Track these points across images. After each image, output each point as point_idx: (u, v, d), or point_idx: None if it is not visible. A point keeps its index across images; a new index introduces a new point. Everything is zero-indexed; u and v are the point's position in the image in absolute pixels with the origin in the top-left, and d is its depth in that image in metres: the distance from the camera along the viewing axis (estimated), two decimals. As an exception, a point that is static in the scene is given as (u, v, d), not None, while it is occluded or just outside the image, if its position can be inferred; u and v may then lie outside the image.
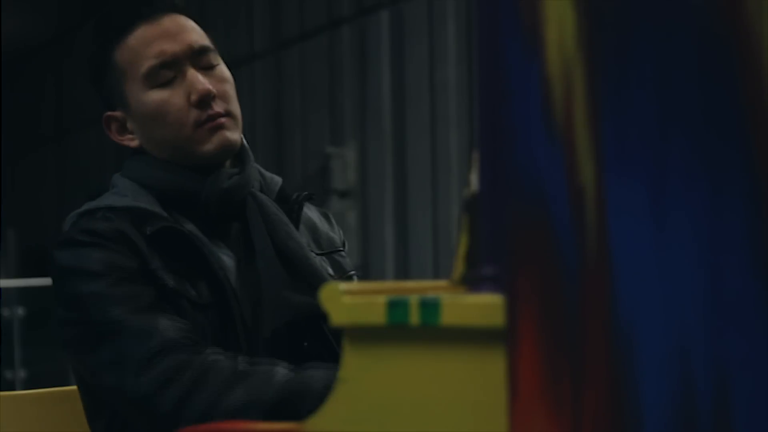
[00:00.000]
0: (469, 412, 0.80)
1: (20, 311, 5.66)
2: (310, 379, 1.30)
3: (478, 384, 0.79)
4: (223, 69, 1.51)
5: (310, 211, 1.62)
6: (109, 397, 1.39)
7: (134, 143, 1.52)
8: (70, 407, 1.64)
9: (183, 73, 1.47)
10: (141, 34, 1.48)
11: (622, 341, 0.71)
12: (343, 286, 0.86)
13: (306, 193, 1.59)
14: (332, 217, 1.69)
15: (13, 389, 5.04)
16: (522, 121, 0.76)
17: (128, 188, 1.50)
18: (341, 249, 1.62)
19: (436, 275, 5.15)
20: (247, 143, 1.56)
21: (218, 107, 1.47)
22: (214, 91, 1.47)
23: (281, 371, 1.31)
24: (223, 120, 1.47)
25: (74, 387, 1.69)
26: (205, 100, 1.46)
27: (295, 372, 1.31)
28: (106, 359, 1.35)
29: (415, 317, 0.81)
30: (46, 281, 6.63)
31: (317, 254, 1.54)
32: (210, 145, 1.47)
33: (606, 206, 0.72)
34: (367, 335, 0.85)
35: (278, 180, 1.57)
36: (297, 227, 1.54)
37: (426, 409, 0.82)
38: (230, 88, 1.50)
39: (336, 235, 1.63)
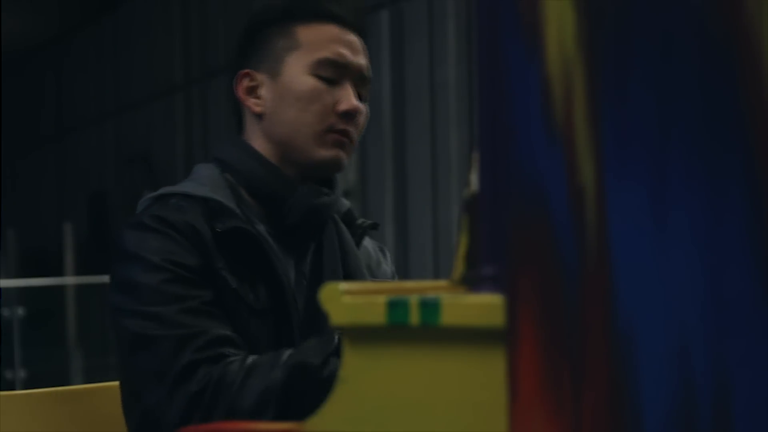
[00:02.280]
0: (469, 412, 0.80)
1: (20, 311, 5.66)
2: (305, 352, 1.31)
3: (478, 384, 0.79)
4: (366, 107, 1.55)
5: (366, 241, 1.66)
6: (141, 405, 1.40)
7: (258, 109, 1.53)
8: (70, 407, 1.64)
9: (343, 83, 1.52)
10: (332, 30, 1.53)
11: (622, 341, 0.71)
12: (343, 285, 0.86)
13: (371, 222, 1.64)
14: (387, 252, 1.73)
15: (13, 389, 5.04)
16: (522, 121, 0.76)
17: (207, 178, 1.51)
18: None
19: (436, 275, 5.15)
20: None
21: (352, 129, 1.52)
22: (359, 115, 1.52)
23: (285, 352, 1.33)
24: (347, 141, 1.51)
25: (74, 387, 1.69)
26: (349, 115, 1.50)
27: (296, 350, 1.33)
28: (144, 367, 1.37)
29: (415, 317, 0.81)
30: (46, 281, 6.65)
31: None
32: (326, 154, 1.50)
33: (606, 206, 0.72)
34: (367, 335, 0.85)
35: (346, 204, 1.62)
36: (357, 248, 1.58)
37: (426, 409, 0.82)
38: (365, 123, 1.55)
39: (388, 268, 1.67)
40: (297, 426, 0.89)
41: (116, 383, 1.66)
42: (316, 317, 1.45)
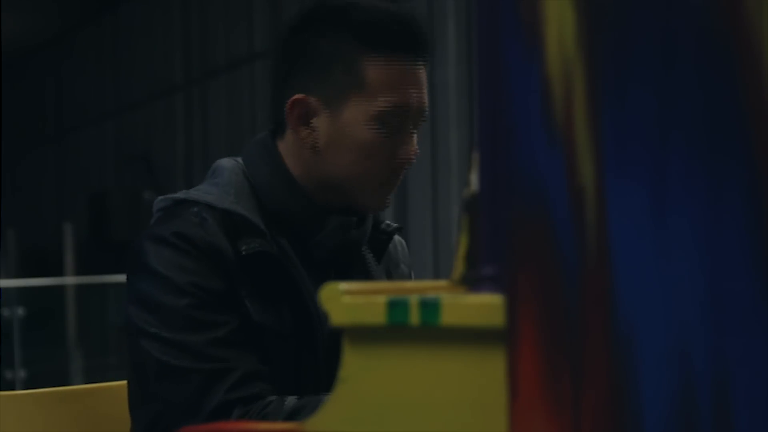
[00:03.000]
0: (469, 412, 0.80)
1: (20, 311, 5.67)
2: None
3: (478, 384, 0.79)
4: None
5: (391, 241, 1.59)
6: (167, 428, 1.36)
7: (309, 141, 1.41)
8: (70, 407, 1.64)
9: (405, 126, 1.41)
10: (402, 69, 1.40)
11: (622, 341, 0.71)
12: (343, 285, 0.86)
13: (396, 225, 1.57)
14: (405, 245, 1.65)
15: (13, 389, 5.04)
16: (522, 121, 0.76)
17: (233, 184, 1.42)
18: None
19: (436, 275, 5.15)
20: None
21: (402, 175, 1.44)
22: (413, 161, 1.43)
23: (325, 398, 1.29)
24: (397, 183, 1.44)
25: (74, 387, 1.69)
26: (407, 163, 1.42)
27: None
28: (171, 398, 1.33)
29: (415, 317, 0.81)
30: (46, 281, 6.65)
31: None
32: (374, 204, 1.44)
33: (606, 206, 0.72)
34: (367, 335, 0.85)
35: (370, 225, 1.53)
36: (381, 257, 1.53)
37: (426, 409, 0.82)
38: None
39: (407, 266, 1.61)
40: (297, 426, 0.89)
41: (116, 383, 1.66)
42: (340, 346, 1.42)
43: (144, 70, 8.79)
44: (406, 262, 1.62)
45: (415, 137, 1.43)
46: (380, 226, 1.55)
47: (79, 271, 7.51)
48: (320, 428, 0.87)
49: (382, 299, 0.83)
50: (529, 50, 0.75)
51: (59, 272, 7.80)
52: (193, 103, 8.01)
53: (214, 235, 1.37)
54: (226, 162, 1.47)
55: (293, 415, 1.28)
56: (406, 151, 1.41)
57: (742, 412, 0.69)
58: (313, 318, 1.39)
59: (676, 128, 0.71)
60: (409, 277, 1.62)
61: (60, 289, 6.73)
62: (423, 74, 1.43)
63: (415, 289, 0.92)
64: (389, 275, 1.57)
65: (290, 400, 1.30)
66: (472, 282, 0.86)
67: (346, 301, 0.85)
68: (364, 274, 1.49)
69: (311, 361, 1.39)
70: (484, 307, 0.78)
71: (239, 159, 1.48)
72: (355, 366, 0.86)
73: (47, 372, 6.25)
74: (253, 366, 1.34)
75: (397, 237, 1.62)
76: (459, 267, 0.92)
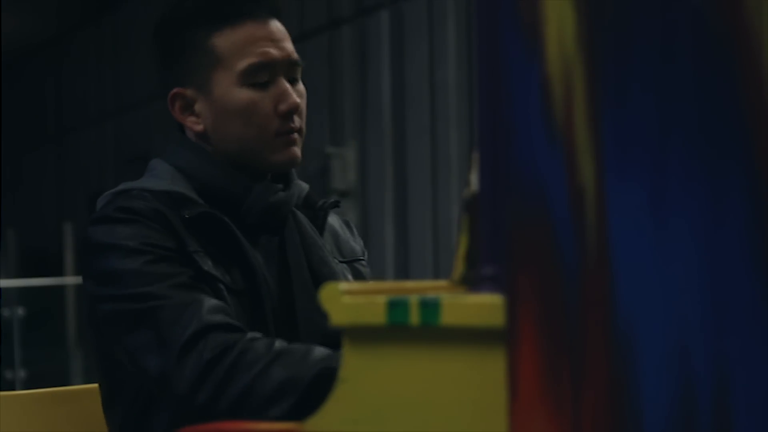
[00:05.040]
0: (469, 412, 0.80)
1: (20, 311, 5.67)
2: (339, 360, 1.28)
3: (478, 384, 0.79)
4: (302, 85, 1.52)
5: (332, 219, 1.63)
6: (145, 379, 1.37)
7: (198, 127, 1.50)
8: (70, 407, 1.64)
9: (275, 79, 1.48)
10: (249, 30, 1.48)
11: (622, 341, 0.71)
12: (343, 285, 0.86)
13: (332, 200, 1.61)
14: (353, 225, 1.70)
15: (13, 389, 5.04)
16: (522, 121, 0.76)
17: (167, 172, 1.49)
18: (362, 258, 1.63)
19: (436, 275, 5.15)
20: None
21: (297, 123, 1.49)
22: (300, 106, 1.49)
23: (318, 349, 1.30)
24: (296, 136, 1.49)
25: (74, 387, 1.69)
26: (291, 112, 1.47)
27: (329, 352, 1.30)
28: (145, 341, 1.34)
29: (415, 317, 0.81)
30: (46, 281, 6.65)
31: (339, 262, 1.55)
32: (281, 157, 1.48)
33: (606, 206, 0.72)
34: (367, 335, 0.85)
35: (305, 186, 1.58)
36: (321, 233, 1.56)
37: (426, 409, 0.82)
38: (305, 105, 1.52)
39: (357, 244, 1.65)
40: (297, 426, 0.89)
41: (116, 383, 1.66)
42: (291, 314, 1.44)
43: (144, 70, 8.78)
44: (356, 240, 1.66)
45: (291, 88, 1.48)
46: (317, 203, 1.58)
47: (79, 271, 7.50)
48: (320, 428, 0.87)
49: (382, 299, 0.83)
50: (529, 50, 0.75)
51: (59, 272, 7.80)
52: (193, 103, 8.00)
53: (157, 205, 1.41)
54: (157, 160, 1.53)
55: (279, 356, 1.29)
56: (288, 100, 1.47)
57: (742, 412, 0.69)
58: (258, 276, 1.43)
59: (676, 128, 0.71)
60: (361, 253, 1.64)
61: (60, 289, 6.73)
62: (277, 28, 1.50)
63: (415, 289, 0.92)
64: (341, 253, 1.59)
65: (280, 342, 1.31)
66: (472, 282, 0.86)
67: (346, 301, 0.85)
68: (299, 236, 1.51)
69: (260, 317, 1.41)
70: (484, 307, 0.78)
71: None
72: (355, 366, 0.86)
73: (47, 372, 6.25)
74: (220, 302, 1.36)
75: (343, 219, 1.68)
76: (459, 267, 0.92)
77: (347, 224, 1.68)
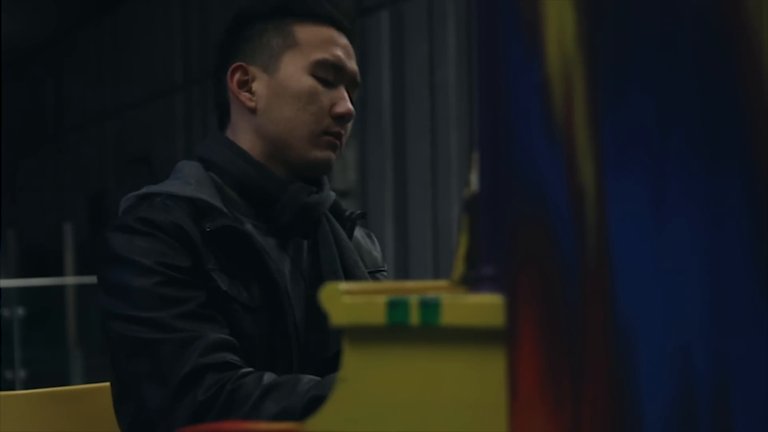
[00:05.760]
0: (469, 412, 0.80)
1: (20, 311, 5.67)
2: (331, 382, 1.29)
3: (478, 384, 0.79)
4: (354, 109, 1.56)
5: (356, 229, 1.65)
6: (140, 408, 1.38)
7: (251, 104, 1.52)
8: (70, 407, 1.64)
9: (338, 86, 1.52)
10: (330, 33, 1.54)
11: (622, 341, 0.71)
12: (344, 285, 0.86)
13: (359, 212, 1.63)
14: (374, 236, 1.72)
15: (13, 389, 5.04)
16: (522, 121, 0.76)
17: (193, 176, 1.49)
18: (383, 269, 1.66)
19: (436, 275, 5.15)
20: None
21: (343, 132, 1.52)
22: (351, 118, 1.52)
23: (305, 378, 1.31)
24: (338, 144, 1.52)
25: (74, 387, 1.69)
26: (343, 119, 1.51)
27: (317, 380, 1.31)
28: (145, 371, 1.35)
29: (415, 317, 0.81)
30: (46, 281, 6.65)
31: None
32: (319, 155, 1.50)
33: (606, 206, 0.72)
34: (367, 335, 0.85)
35: (333, 195, 1.59)
36: (349, 238, 1.58)
37: (426, 409, 0.82)
38: (351, 126, 1.56)
39: (378, 254, 1.67)
40: (297, 426, 0.89)
41: (116, 383, 1.66)
42: (317, 317, 1.44)
43: (144, 70, 8.79)
44: (377, 250, 1.68)
45: (348, 99, 1.53)
46: (344, 213, 1.60)
47: (79, 271, 7.51)
48: (320, 428, 0.87)
49: (382, 299, 0.83)
50: (529, 50, 0.75)
51: (59, 272, 7.80)
52: (193, 103, 8.01)
53: (179, 218, 1.41)
54: (185, 162, 1.54)
55: (269, 391, 1.30)
56: (343, 105, 1.51)
57: (742, 412, 0.69)
58: (281, 291, 1.43)
59: (676, 128, 0.71)
60: (381, 264, 1.66)
61: (60, 289, 6.73)
62: (350, 45, 1.56)
63: (415, 289, 0.92)
64: (364, 264, 1.60)
65: (269, 376, 1.32)
66: (472, 282, 0.86)
67: (346, 301, 0.85)
68: (331, 236, 1.53)
69: (283, 334, 1.41)
70: (484, 307, 0.78)
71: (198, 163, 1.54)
72: (355, 366, 0.86)
73: (47, 372, 6.25)
74: (223, 336, 1.36)
75: (365, 229, 1.69)
76: (459, 267, 0.92)
77: (369, 235, 1.70)
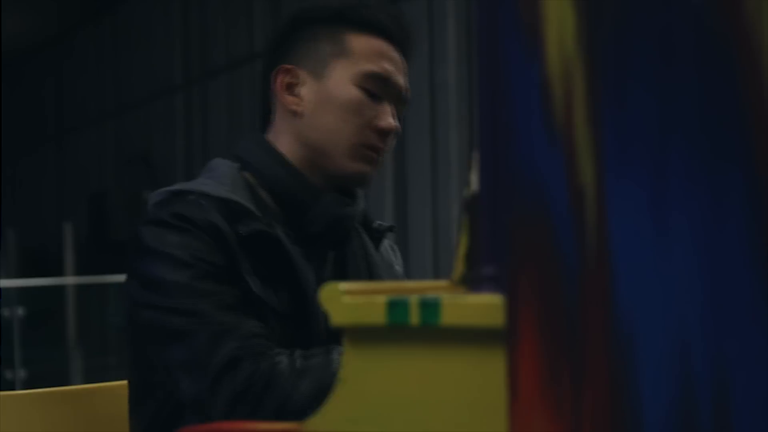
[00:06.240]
0: (469, 412, 0.80)
1: (20, 311, 5.67)
2: None
3: (478, 384, 0.79)
4: (399, 126, 1.54)
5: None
6: (168, 399, 1.38)
7: (295, 107, 1.50)
8: (70, 407, 1.64)
9: (384, 100, 1.50)
10: (383, 47, 1.51)
11: (622, 341, 0.71)
12: (343, 286, 0.86)
13: (389, 225, 1.62)
14: (398, 249, 1.72)
15: (13, 389, 5.04)
16: (522, 121, 0.76)
17: (227, 176, 1.48)
18: None
19: (436, 275, 5.16)
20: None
21: (385, 147, 1.51)
22: (394, 134, 1.51)
23: (336, 357, 1.31)
24: (378, 158, 1.51)
25: (74, 387, 1.69)
26: (385, 134, 1.50)
27: None
28: (180, 359, 1.34)
29: (415, 317, 0.81)
30: (46, 281, 6.65)
31: None
32: (357, 167, 1.49)
33: (606, 206, 0.72)
34: (367, 335, 0.85)
35: (363, 205, 1.58)
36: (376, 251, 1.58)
37: (426, 409, 0.82)
38: (393, 144, 1.54)
39: (400, 268, 1.67)
40: (297, 426, 0.89)
41: (116, 383, 1.66)
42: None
43: (144, 70, 8.79)
44: (399, 263, 1.67)
45: (391, 112, 1.51)
46: (373, 225, 1.59)
47: (79, 271, 7.51)
48: (320, 428, 0.87)
49: (382, 299, 0.83)
50: (529, 50, 0.75)
51: (59, 272, 7.80)
52: (193, 103, 8.01)
53: (213, 216, 1.39)
54: (219, 160, 1.52)
55: (303, 373, 1.30)
56: (386, 120, 1.49)
57: (742, 412, 0.69)
58: (309, 300, 1.42)
59: (676, 128, 0.71)
60: (403, 278, 1.66)
61: (60, 289, 6.73)
62: (403, 63, 1.54)
63: (415, 289, 0.92)
64: (389, 275, 1.60)
65: (301, 359, 1.32)
66: (472, 282, 0.86)
67: (346, 301, 0.85)
68: (361, 249, 1.53)
69: (306, 342, 1.40)
70: (484, 307, 0.78)
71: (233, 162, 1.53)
72: (355, 366, 0.86)
73: (47, 372, 6.25)
74: (258, 328, 1.36)
75: (390, 243, 1.68)
76: (459, 267, 0.92)
77: (392, 248, 1.69)
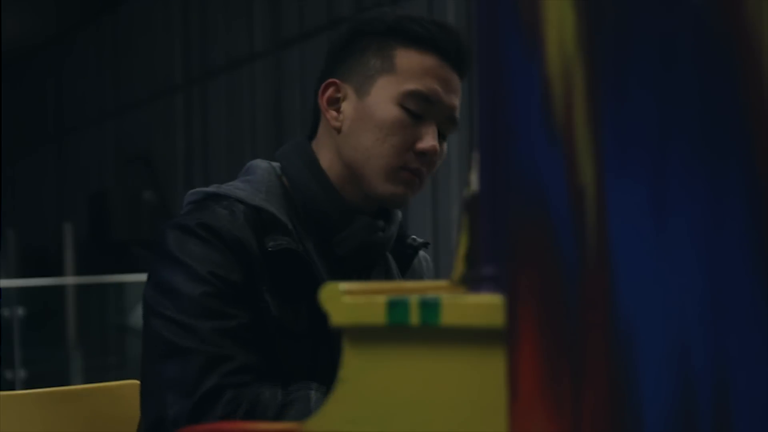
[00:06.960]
0: (469, 412, 0.80)
1: (20, 311, 5.67)
2: None
3: (478, 384, 0.79)
4: (445, 146, 1.49)
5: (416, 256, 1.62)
6: (161, 409, 1.38)
7: (335, 123, 1.47)
8: (70, 407, 1.64)
9: (428, 120, 1.45)
10: (432, 63, 1.46)
11: (622, 341, 0.71)
12: (343, 286, 0.86)
13: (422, 241, 1.61)
14: (430, 261, 1.70)
15: (13, 389, 5.04)
16: (522, 121, 0.76)
17: (264, 183, 1.46)
18: None
19: (436, 275, 5.15)
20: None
21: (425, 168, 1.46)
22: (436, 156, 1.46)
23: (313, 393, 1.31)
24: (417, 181, 1.46)
25: (74, 387, 1.69)
26: (425, 156, 1.45)
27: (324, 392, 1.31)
28: (170, 376, 1.34)
29: (415, 317, 0.81)
30: (46, 281, 6.65)
31: None
32: (392, 189, 1.45)
33: (606, 206, 0.72)
34: (367, 335, 0.85)
35: (400, 216, 1.56)
36: (406, 270, 1.56)
37: (426, 409, 0.82)
38: (438, 164, 1.49)
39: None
40: (297, 426, 0.89)
41: (116, 383, 1.66)
42: None
43: (144, 70, 8.79)
44: (429, 277, 1.66)
45: (437, 137, 1.45)
46: (406, 240, 1.58)
47: (79, 271, 7.51)
48: (320, 428, 0.87)
49: (382, 299, 0.83)
50: (529, 50, 0.75)
51: (59, 272, 7.80)
52: (193, 103, 8.01)
53: (241, 229, 1.39)
54: (260, 161, 1.51)
55: (286, 407, 1.30)
56: (427, 141, 1.44)
57: (742, 412, 0.69)
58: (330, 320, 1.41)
59: (676, 128, 0.71)
60: None
61: (60, 289, 6.73)
62: (456, 81, 1.47)
63: (415, 289, 0.92)
64: None
65: (283, 392, 1.32)
66: (472, 282, 0.86)
67: (346, 301, 0.85)
68: (385, 278, 1.51)
69: (327, 362, 1.39)
70: (484, 307, 0.78)
71: (274, 163, 1.51)
72: (355, 366, 0.86)
73: (47, 372, 6.25)
74: (253, 361, 1.35)
75: (422, 253, 1.66)
76: (459, 267, 0.92)
77: (426, 260, 1.68)
